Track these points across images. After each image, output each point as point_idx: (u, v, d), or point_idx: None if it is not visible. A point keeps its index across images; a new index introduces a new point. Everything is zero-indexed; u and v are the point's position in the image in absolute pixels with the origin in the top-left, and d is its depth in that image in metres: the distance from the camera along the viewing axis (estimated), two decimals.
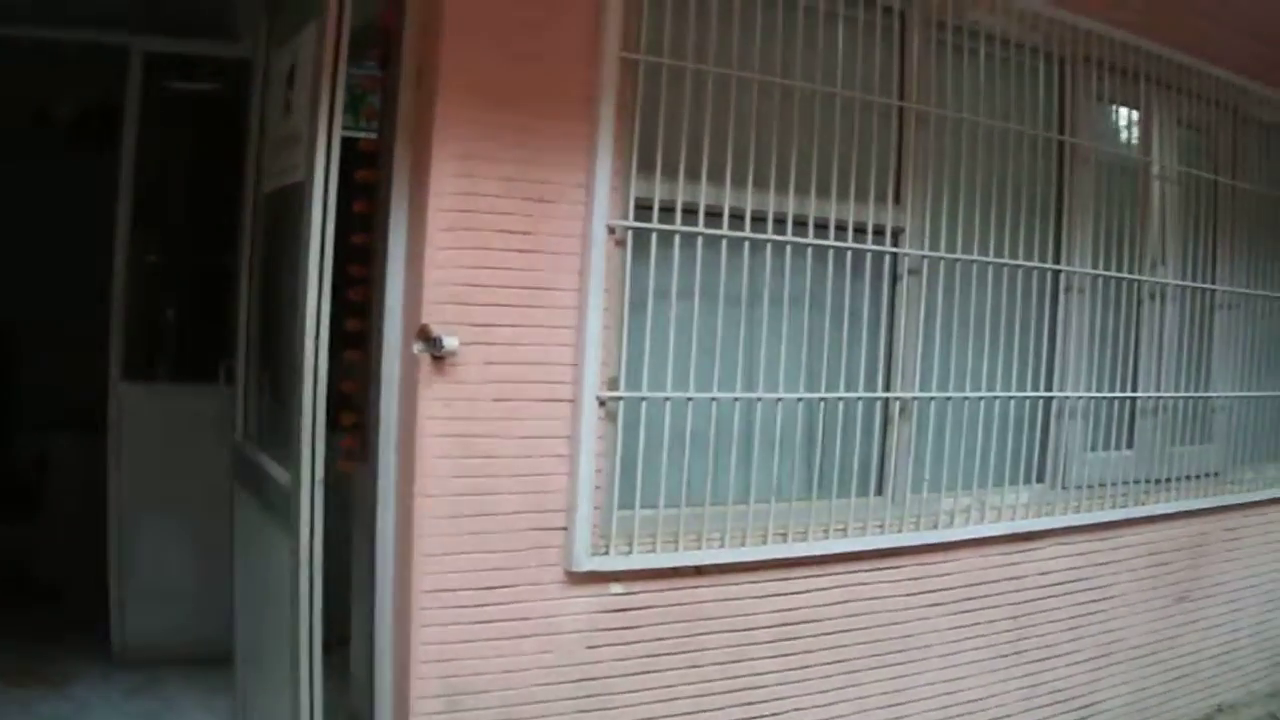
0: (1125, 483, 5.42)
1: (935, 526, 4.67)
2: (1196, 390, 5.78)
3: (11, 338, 7.31)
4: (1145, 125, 5.56)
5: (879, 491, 4.63)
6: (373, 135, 4.17)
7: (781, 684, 4.30)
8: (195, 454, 5.48)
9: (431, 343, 3.56)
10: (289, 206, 3.88)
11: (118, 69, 5.57)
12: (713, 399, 4.06)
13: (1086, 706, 5.40)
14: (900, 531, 4.56)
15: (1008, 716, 5.06)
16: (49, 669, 5.48)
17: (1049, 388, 5.12)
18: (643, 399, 3.94)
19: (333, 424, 3.60)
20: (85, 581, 5.93)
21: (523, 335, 3.76)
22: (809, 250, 4.26)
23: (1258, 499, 6.14)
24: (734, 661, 4.19)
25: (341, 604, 3.73)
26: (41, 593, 6.38)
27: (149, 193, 5.69)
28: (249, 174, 4.45)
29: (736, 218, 4.09)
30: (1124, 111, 5.58)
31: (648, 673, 4.02)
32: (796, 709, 4.35)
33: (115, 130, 5.65)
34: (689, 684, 4.10)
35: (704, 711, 4.13)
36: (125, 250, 5.56)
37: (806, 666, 4.37)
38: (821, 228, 4.28)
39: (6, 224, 6.69)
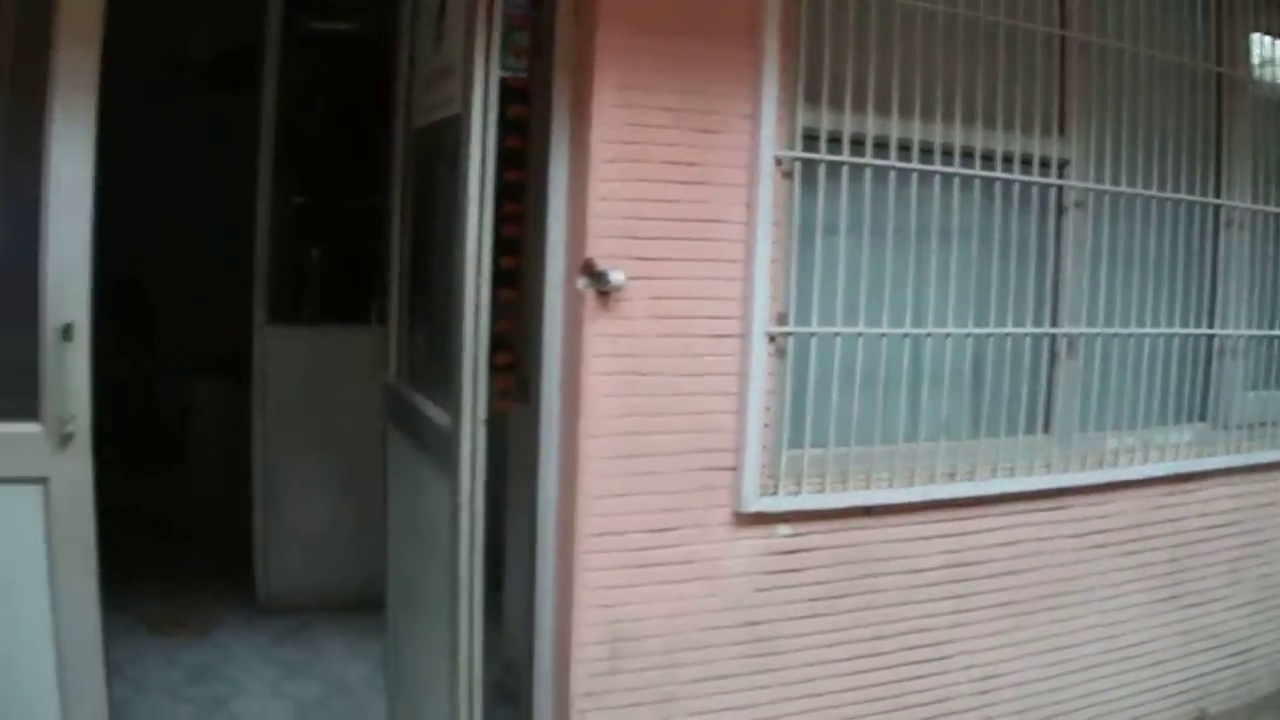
0: None
1: (1100, 466, 4.48)
2: None
3: (153, 284, 7.30)
4: None
5: (1045, 430, 4.45)
6: (521, 73, 4.03)
7: (950, 626, 4.17)
8: (341, 396, 5.52)
9: (596, 277, 3.45)
10: (442, 141, 3.79)
11: (256, 10, 5.54)
12: (882, 335, 3.91)
13: (1244, 651, 5.20)
14: (1066, 471, 4.39)
15: (1166, 660, 4.88)
16: (194, 616, 5.50)
17: (1210, 325, 4.92)
18: (812, 334, 3.80)
19: (488, 364, 3.49)
20: (230, 528, 5.95)
21: (689, 270, 3.64)
22: (976, 182, 4.08)
23: None
24: (902, 604, 4.05)
25: (494, 548, 3.62)
26: (186, 540, 6.42)
27: (291, 134, 5.63)
28: (398, 110, 4.34)
29: (903, 149, 3.93)
30: None
31: (815, 616, 3.90)
32: (964, 651, 4.22)
33: (254, 72, 5.60)
34: (858, 628, 3.98)
35: (873, 655, 4.01)
36: (268, 192, 5.52)
37: (974, 610, 4.22)
38: (988, 159, 4.11)
39: (146, 170, 6.64)
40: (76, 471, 3.27)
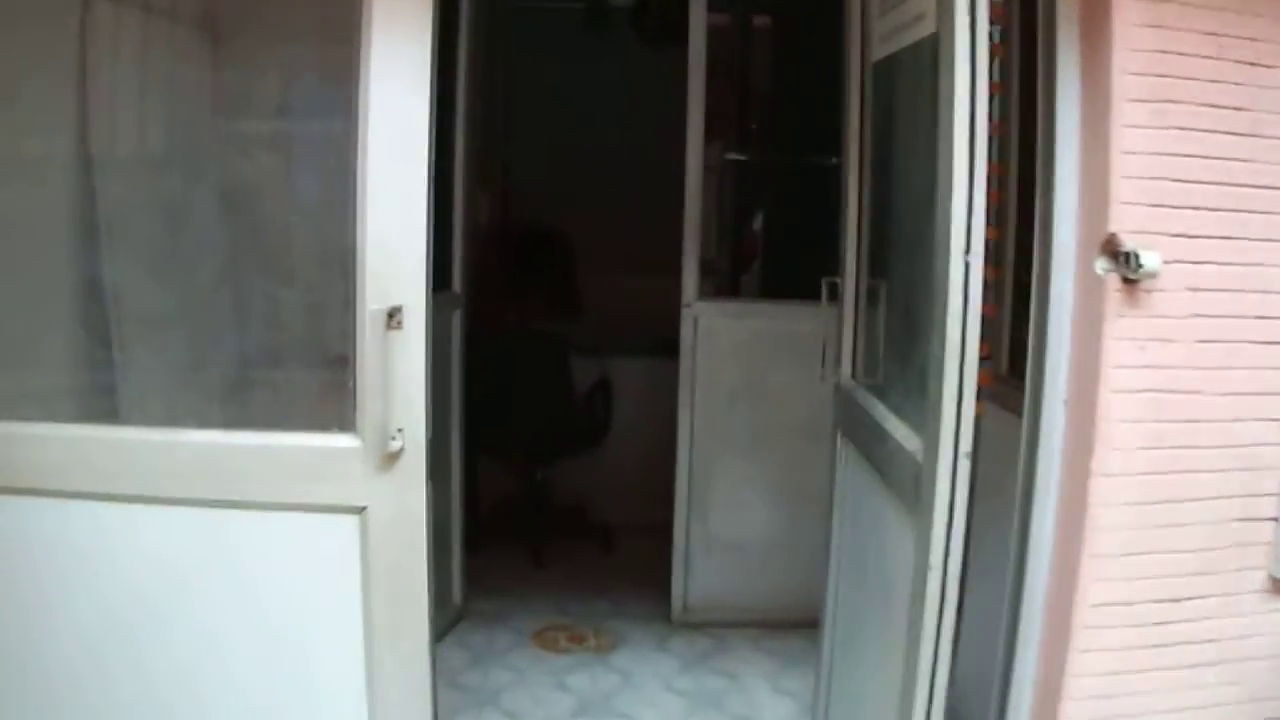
0: None
1: None
2: None
3: (576, 245, 6.95)
4: None
5: None
6: None
7: None
8: (782, 385, 4.96)
9: (1122, 260, 2.64)
10: (909, 73, 3.07)
11: None
12: None
13: None
14: None
15: None
16: (595, 629, 5.08)
17: None
18: None
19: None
20: (647, 527, 5.62)
21: (1234, 251, 2.76)
22: None
23: None
24: None
25: None
26: (597, 537, 6.04)
27: (725, 84, 5.06)
28: (850, 41, 3.60)
29: None
30: None
31: None
32: None
33: (678, 17, 5.04)
34: None
35: None
36: (698, 148, 4.94)
37: None
38: None
39: (565, 120, 6.51)
40: (404, 499, 2.72)
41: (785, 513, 5.05)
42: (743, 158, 5.27)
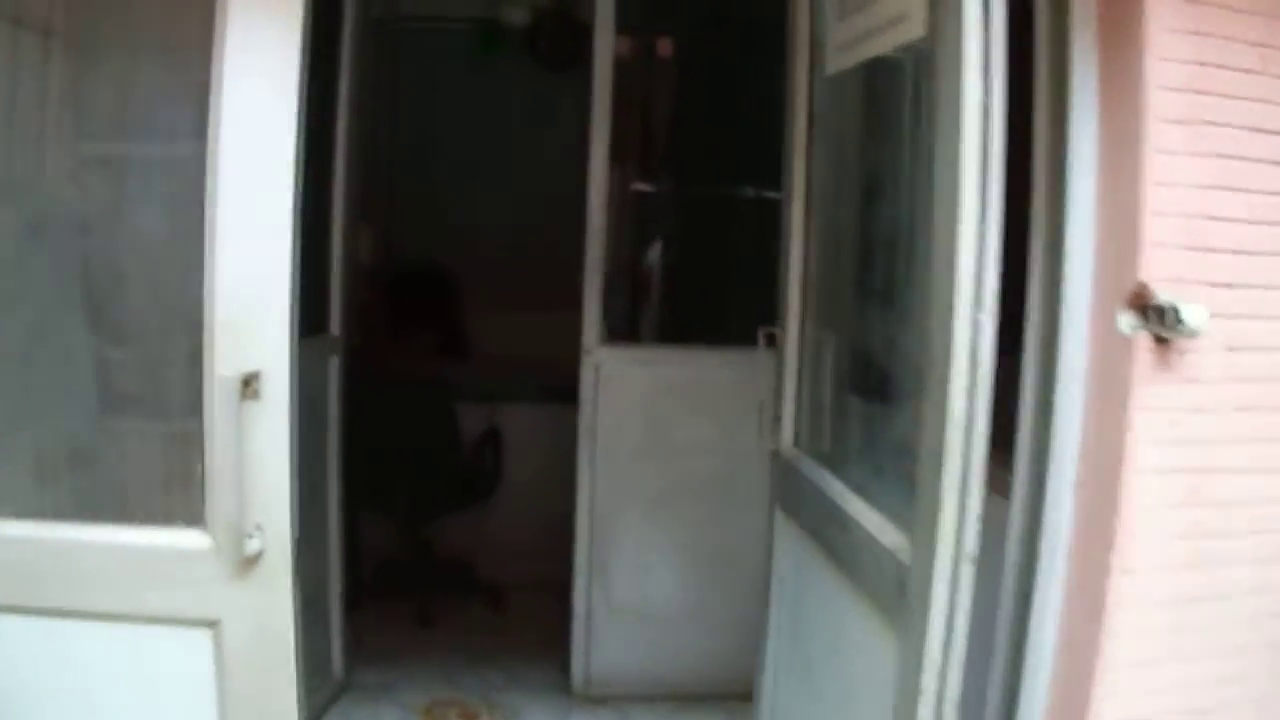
0: None
1: None
2: None
3: (464, 282, 6.35)
4: None
5: None
6: None
7: None
8: (692, 439, 4.43)
9: (1154, 315, 2.10)
10: (883, 88, 2.54)
11: None
12: None
13: None
14: None
15: None
16: (489, 705, 4.47)
17: None
18: None
19: None
20: (540, 583, 5.07)
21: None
22: None
23: None
24: None
25: None
26: (487, 598, 5.39)
27: (628, 111, 4.50)
28: (795, 51, 3.02)
29: None
30: None
31: None
32: None
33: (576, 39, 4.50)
34: None
35: None
36: (602, 180, 4.36)
37: None
38: None
39: (454, 148, 6.22)
40: (265, 611, 2.10)
41: (696, 577, 4.51)
42: (650, 189, 4.68)
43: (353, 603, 4.78)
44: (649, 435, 4.45)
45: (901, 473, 2.21)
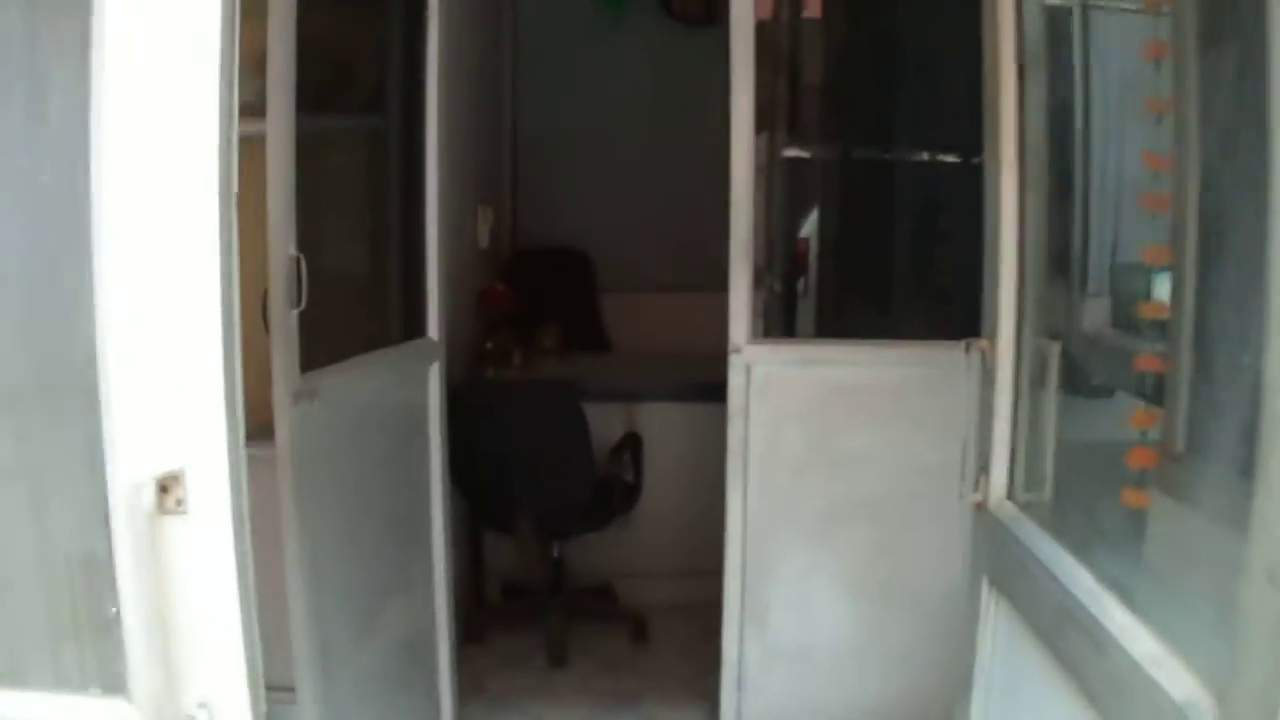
0: None
1: None
2: None
3: (586, 271, 5.63)
4: None
5: None
6: None
7: None
8: (861, 451, 3.68)
9: None
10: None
11: None
12: None
13: None
14: None
15: None
16: None
17: None
18: None
19: None
20: (687, 606, 4.52)
21: None
22: None
23: None
24: None
25: None
26: (628, 626, 4.64)
27: (775, 60, 3.73)
28: None
29: None
30: None
31: None
32: None
33: None
34: None
35: None
36: (747, 144, 3.57)
37: None
38: None
39: (581, 116, 5.73)
40: None
41: (864, 610, 3.75)
42: (805, 154, 3.85)
43: (475, 634, 4.31)
44: (810, 448, 3.68)
45: (1202, 578, 1.37)
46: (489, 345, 4.75)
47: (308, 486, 2.94)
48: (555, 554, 4.52)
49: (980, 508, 2.25)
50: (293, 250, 2.87)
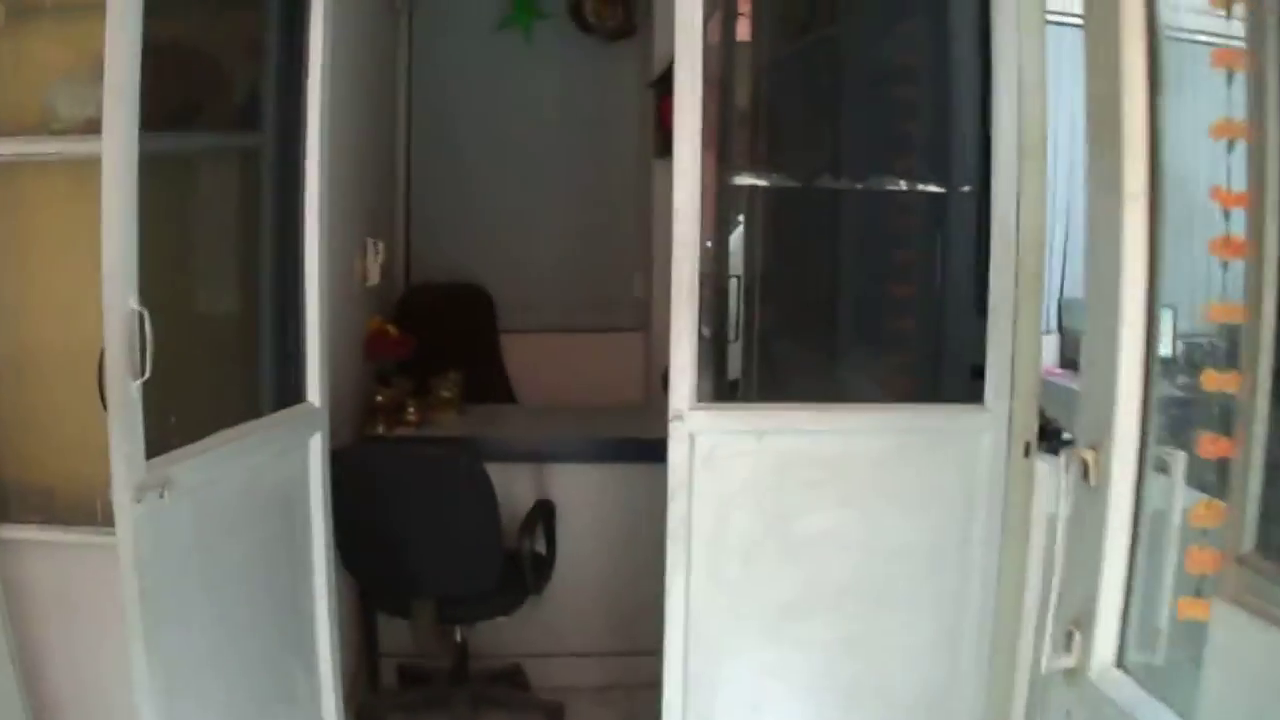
0: None
1: None
2: None
3: (488, 311, 5.00)
4: None
5: None
6: None
7: None
8: (826, 532, 3.04)
9: None
10: None
11: None
12: None
13: None
14: None
15: None
16: None
17: None
18: None
19: None
20: (609, 701, 3.96)
21: None
22: None
23: None
24: None
25: None
26: (542, 717, 3.91)
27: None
28: None
29: None
30: None
31: None
32: None
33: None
34: None
35: None
36: (693, 171, 2.91)
37: None
38: None
39: (477, 139, 5.19)
40: None
41: (830, 718, 3.12)
42: (759, 182, 3.22)
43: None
44: (765, 529, 3.08)
45: None
46: (378, 399, 4.00)
47: (159, 597, 2.27)
48: (458, 638, 3.81)
49: (1074, 675, 1.61)
50: (133, 303, 2.17)
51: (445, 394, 4.25)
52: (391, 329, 4.25)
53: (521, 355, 5.15)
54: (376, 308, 4.42)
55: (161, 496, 2.26)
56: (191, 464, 2.38)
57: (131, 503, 2.20)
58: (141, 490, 2.21)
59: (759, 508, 3.01)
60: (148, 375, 2.19)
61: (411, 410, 4.08)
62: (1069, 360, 5.25)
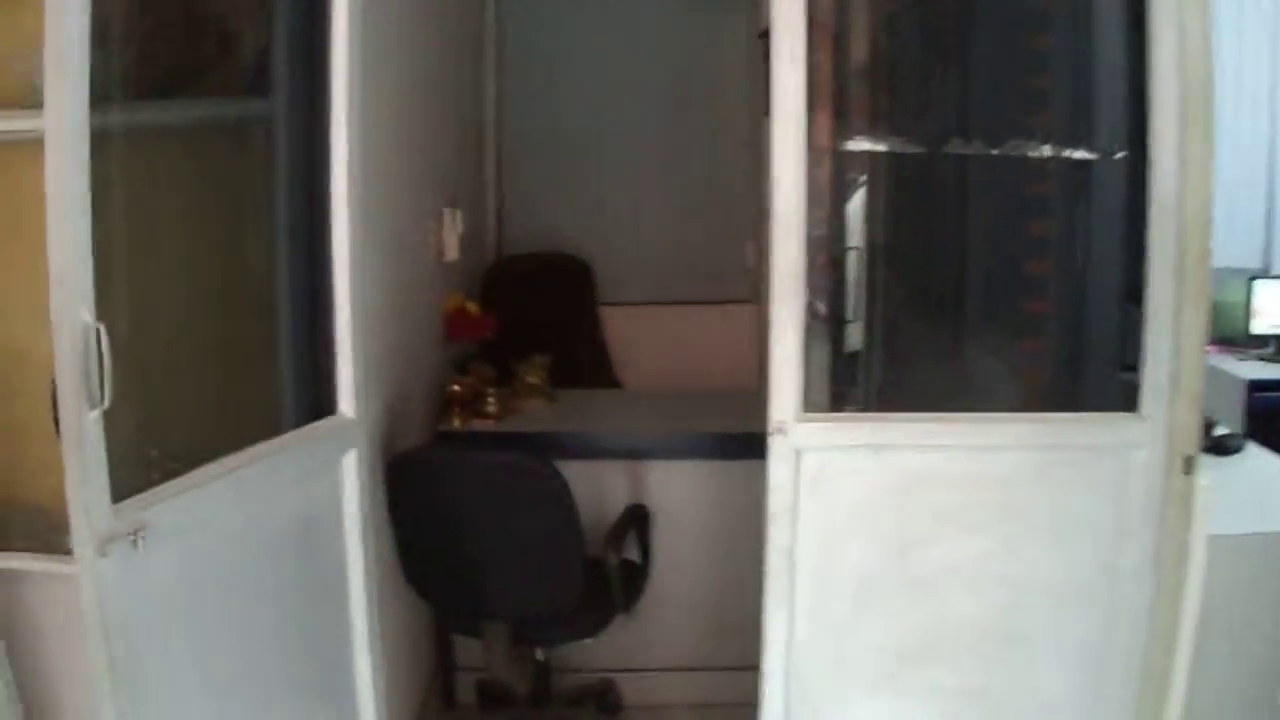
0: None
1: None
2: None
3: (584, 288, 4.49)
4: None
5: None
6: None
7: None
8: (955, 566, 2.57)
9: None
10: None
11: None
12: None
13: None
14: None
15: None
16: None
17: None
18: None
19: None
20: (707, 706, 3.52)
21: None
22: None
23: None
24: None
25: None
26: None
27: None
28: None
29: None
30: None
31: None
32: None
33: None
34: None
35: None
36: (798, 136, 2.40)
37: None
38: None
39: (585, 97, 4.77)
40: None
41: None
42: (878, 147, 2.68)
43: None
44: (882, 561, 2.61)
45: None
46: (455, 388, 3.52)
47: (136, 666, 1.84)
48: (540, 656, 3.35)
49: None
50: (87, 316, 1.72)
51: (531, 379, 3.76)
52: (472, 307, 3.78)
53: (622, 330, 4.71)
54: (459, 284, 3.96)
55: (135, 545, 1.82)
56: (176, 504, 1.92)
57: (94, 556, 1.76)
58: (107, 542, 1.77)
59: (874, 537, 2.51)
60: (107, 404, 1.74)
61: (491, 400, 3.59)
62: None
